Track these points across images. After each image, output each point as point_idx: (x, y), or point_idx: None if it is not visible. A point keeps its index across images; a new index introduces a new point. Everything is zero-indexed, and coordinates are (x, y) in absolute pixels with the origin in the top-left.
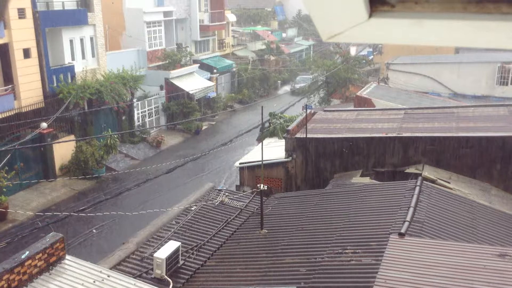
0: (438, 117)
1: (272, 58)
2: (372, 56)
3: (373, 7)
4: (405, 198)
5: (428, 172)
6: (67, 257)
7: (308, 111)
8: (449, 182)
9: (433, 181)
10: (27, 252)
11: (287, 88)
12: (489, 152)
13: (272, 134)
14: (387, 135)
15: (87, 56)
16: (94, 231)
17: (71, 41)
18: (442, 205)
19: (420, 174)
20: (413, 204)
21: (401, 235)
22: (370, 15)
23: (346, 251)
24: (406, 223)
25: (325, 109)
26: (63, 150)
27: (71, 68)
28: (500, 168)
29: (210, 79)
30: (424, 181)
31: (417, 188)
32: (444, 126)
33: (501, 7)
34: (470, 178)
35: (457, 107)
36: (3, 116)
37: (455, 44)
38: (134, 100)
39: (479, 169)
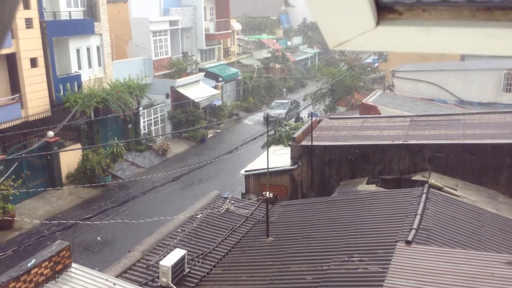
0: (444, 124)
1: (277, 66)
2: (377, 64)
3: (380, 15)
4: (412, 205)
5: (435, 179)
6: (73, 265)
7: (314, 118)
8: (456, 190)
9: (439, 189)
10: (34, 260)
11: (260, 115)
12: (496, 159)
13: (277, 141)
14: (393, 143)
15: (94, 65)
16: (99, 238)
17: (77, 50)
18: (449, 213)
19: (427, 182)
20: (419, 211)
21: (408, 243)
22: (377, 23)
23: (353, 259)
24: (413, 231)
25: (330, 116)
26: (70, 158)
27: (77, 77)
28: (507, 175)
29: (215, 87)
30: (431, 189)
31: (424, 195)
32: (450, 133)
33: (510, 14)
34: (477, 185)
35: (464, 114)
36: (10, 125)
37: (463, 51)
38: (140, 108)
39: (486, 176)
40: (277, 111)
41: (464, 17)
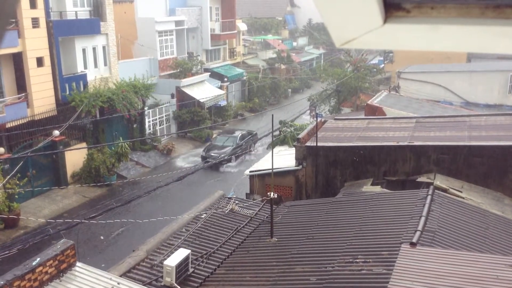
0: (450, 126)
1: (282, 66)
2: (383, 65)
3: (388, 13)
4: (417, 207)
5: (440, 181)
6: (78, 264)
7: (319, 119)
8: (461, 191)
9: (445, 190)
10: (38, 259)
11: (197, 155)
12: (502, 161)
13: (282, 142)
14: (398, 144)
15: (99, 64)
16: (102, 237)
17: (83, 50)
18: (454, 215)
19: (432, 183)
20: (424, 213)
21: (413, 244)
22: (385, 21)
23: (357, 260)
24: (418, 233)
25: (335, 117)
26: (75, 157)
27: (83, 77)
28: None
29: (220, 87)
30: (436, 190)
31: (429, 197)
32: (456, 135)
33: None
34: (483, 188)
35: (469, 115)
36: (16, 124)
37: (472, 50)
38: (146, 108)
39: (491, 178)
40: (225, 149)
41: (473, 15)
